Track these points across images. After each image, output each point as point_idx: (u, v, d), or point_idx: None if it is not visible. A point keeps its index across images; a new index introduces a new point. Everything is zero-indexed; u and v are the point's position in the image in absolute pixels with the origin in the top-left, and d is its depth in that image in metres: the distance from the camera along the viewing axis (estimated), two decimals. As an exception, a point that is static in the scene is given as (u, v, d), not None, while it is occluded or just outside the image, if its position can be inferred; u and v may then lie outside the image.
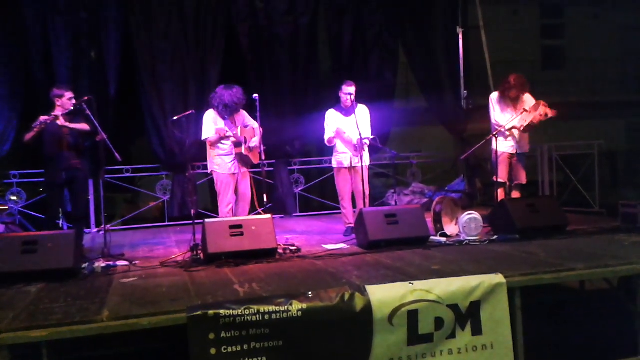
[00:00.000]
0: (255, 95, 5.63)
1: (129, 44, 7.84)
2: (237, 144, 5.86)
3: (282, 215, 8.41)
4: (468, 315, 3.73)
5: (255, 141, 5.97)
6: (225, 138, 5.85)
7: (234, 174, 5.97)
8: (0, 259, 4.40)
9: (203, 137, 5.94)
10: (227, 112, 5.85)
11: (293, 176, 8.74)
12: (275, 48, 8.35)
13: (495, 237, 5.49)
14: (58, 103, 5.60)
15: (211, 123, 5.87)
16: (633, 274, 4.18)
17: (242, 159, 5.95)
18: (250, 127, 6.05)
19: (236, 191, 6.03)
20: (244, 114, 6.09)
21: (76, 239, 4.69)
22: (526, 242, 5.22)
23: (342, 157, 6.22)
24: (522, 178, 6.53)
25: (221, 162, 5.93)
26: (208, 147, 5.99)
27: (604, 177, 8.38)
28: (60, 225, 6.24)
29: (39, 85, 7.41)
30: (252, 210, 6.03)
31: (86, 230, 7.35)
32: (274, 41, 8.33)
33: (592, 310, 5.39)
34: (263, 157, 5.80)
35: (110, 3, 7.68)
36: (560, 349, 4.73)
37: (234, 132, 5.83)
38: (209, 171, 6.14)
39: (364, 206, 5.93)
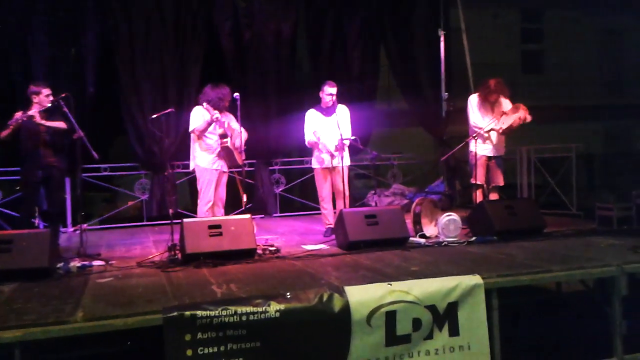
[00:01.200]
0: (237, 95, 5.60)
1: (107, 42, 7.75)
2: (223, 135, 5.77)
3: (263, 216, 8.38)
4: (445, 316, 3.74)
5: (240, 142, 5.90)
6: (213, 124, 5.71)
7: (217, 170, 5.90)
8: (-27, 258, 4.31)
9: (191, 128, 5.83)
10: (212, 106, 5.79)
11: (274, 176, 8.72)
12: (256, 48, 8.32)
13: (474, 238, 5.52)
14: (35, 100, 5.50)
15: (200, 115, 5.81)
16: (609, 276, 4.22)
17: (227, 154, 5.86)
18: (238, 131, 6.00)
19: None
20: (230, 116, 6.04)
21: (51, 238, 4.62)
22: (504, 243, 5.26)
23: (322, 157, 6.21)
24: (500, 180, 6.58)
25: (206, 157, 5.86)
26: (193, 141, 5.90)
27: (581, 180, 8.47)
28: (36, 224, 6.13)
29: (16, 82, 7.30)
30: (231, 210, 5.97)
31: (62, 229, 7.25)
32: (255, 41, 8.30)
33: (569, 311, 5.45)
34: (244, 157, 5.75)
35: (89, 2, 7.58)
36: (536, 350, 4.77)
37: (222, 121, 5.75)
38: (191, 169, 6.06)
39: (344, 207, 5.93)
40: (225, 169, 5.97)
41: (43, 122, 5.43)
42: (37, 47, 7.40)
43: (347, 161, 6.23)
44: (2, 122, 5.57)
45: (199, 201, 5.95)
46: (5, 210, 7.45)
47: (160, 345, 3.30)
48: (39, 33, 7.42)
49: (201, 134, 5.82)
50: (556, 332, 5.16)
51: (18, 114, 5.38)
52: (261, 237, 5.94)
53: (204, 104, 5.79)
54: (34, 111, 5.41)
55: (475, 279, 3.84)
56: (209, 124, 5.75)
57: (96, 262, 4.92)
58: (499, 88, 6.35)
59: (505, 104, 6.44)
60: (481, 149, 6.43)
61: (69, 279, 4.39)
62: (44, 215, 6.12)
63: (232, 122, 5.99)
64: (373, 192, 7.85)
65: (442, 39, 9.22)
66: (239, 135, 5.90)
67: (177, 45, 7.96)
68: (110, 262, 4.92)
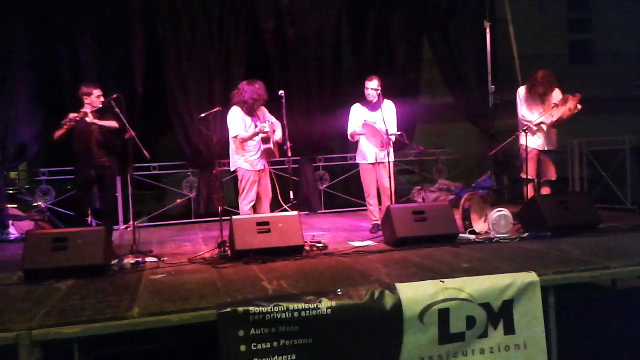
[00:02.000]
0: (281, 92, 5.58)
1: (155, 42, 7.88)
2: (265, 140, 5.81)
3: (307, 212, 8.38)
4: (500, 314, 3.67)
5: (278, 135, 5.94)
6: (259, 134, 5.77)
7: (259, 170, 5.95)
8: (30, 255, 4.44)
9: (233, 134, 5.83)
10: (247, 108, 5.82)
11: (317, 173, 8.72)
12: (299, 45, 8.32)
13: (526, 234, 5.39)
14: (86, 101, 5.64)
15: (240, 120, 5.84)
16: (670, 272, 4.07)
17: (269, 155, 5.92)
18: (270, 122, 6.01)
19: (257, 189, 6.02)
20: (264, 109, 6.06)
21: (106, 235, 4.72)
22: (558, 239, 5.12)
23: (367, 153, 6.16)
24: (552, 174, 6.42)
25: (248, 159, 5.90)
26: (233, 144, 5.94)
27: (634, 173, 8.18)
28: (89, 222, 6.28)
29: (66, 83, 7.49)
30: (276, 206, 5.99)
31: (114, 227, 7.42)
32: (298, 38, 8.30)
33: (625, 308, 5.27)
34: (290, 154, 5.74)
35: (136, 1, 7.72)
36: (593, 348, 4.63)
37: (263, 127, 5.77)
38: (231, 169, 6.09)
39: (390, 203, 5.88)
40: (267, 165, 6.00)
41: (96, 121, 5.56)
42: (85, 49, 7.57)
43: (391, 157, 6.17)
44: (53, 123, 5.72)
45: (240, 200, 5.98)
46: (59, 209, 7.67)
47: (212, 342, 3.34)
48: (87, 34, 7.58)
49: (245, 141, 5.84)
50: (613, 329, 5.00)
51: (72, 114, 5.50)
52: (308, 233, 5.94)
53: (240, 104, 5.81)
54: (87, 111, 5.54)
55: (530, 276, 3.75)
56: (256, 134, 5.77)
57: (149, 259, 5.01)
58: (546, 80, 6.19)
59: (556, 95, 6.27)
60: (532, 142, 6.28)
61: (123, 276, 4.47)
62: (96, 214, 6.27)
63: (266, 114, 6.00)
64: (419, 187, 7.77)
65: (487, 30, 9.01)
66: (275, 128, 5.92)
67: (222, 45, 8.02)
68: (162, 259, 5.01)
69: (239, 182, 6.00)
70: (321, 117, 8.34)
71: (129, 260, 4.93)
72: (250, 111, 5.83)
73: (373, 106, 6.12)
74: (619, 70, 15.26)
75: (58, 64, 7.59)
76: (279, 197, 5.99)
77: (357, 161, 6.39)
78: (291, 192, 5.65)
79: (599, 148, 8.32)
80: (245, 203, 5.93)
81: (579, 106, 6.07)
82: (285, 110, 5.63)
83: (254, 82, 5.87)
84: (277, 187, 6.03)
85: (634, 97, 15.20)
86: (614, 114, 14.09)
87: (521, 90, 6.41)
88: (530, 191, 6.26)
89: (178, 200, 8.94)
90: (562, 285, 3.91)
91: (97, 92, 5.65)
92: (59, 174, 7.66)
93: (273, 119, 5.98)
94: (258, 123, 5.73)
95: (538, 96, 6.30)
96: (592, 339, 4.78)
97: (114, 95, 5.37)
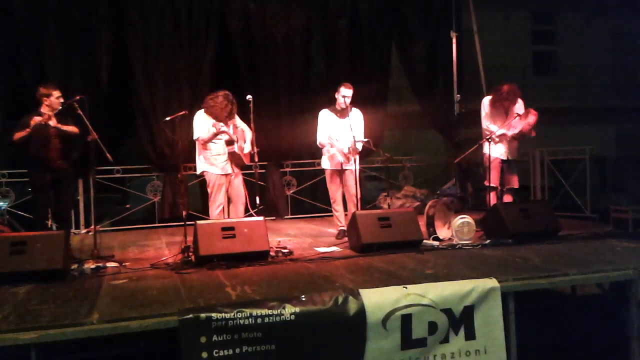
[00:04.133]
0: (249, 97, 5.58)
1: (121, 42, 7.77)
2: (229, 142, 5.79)
3: (274, 218, 8.36)
4: (461, 319, 3.72)
5: (247, 143, 5.93)
6: (218, 134, 5.74)
7: (226, 174, 5.92)
8: (-13, 259, 4.33)
9: (195, 137, 5.86)
10: (214, 118, 5.79)
11: (285, 178, 8.70)
12: (268, 49, 8.31)
13: (488, 241, 5.48)
14: (46, 102, 5.50)
15: (203, 123, 5.82)
16: (625, 279, 4.17)
17: (234, 159, 5.89)
18: (241, 129, 6.00)
19: (228, 192, 5.99)
20: (235, 118, 6.04)
21: (65, 239, 4.62)
22: (519, 246, 5.22)
23: (333, 159, 6.18)
24: (515, 182, 6.55)
25: (214, 162, 5.87)
26: (198, 147, 5.93)
27: (593, 182, 8.39)
28: (49, 226, 6.15)
29: (28, 83, 7.31)
30: (246, 211, 5.97)
31: (75, 231, 7.28)
32: (268, 42, 8.30)
33: (584, 315, 5.39)
34: (257, 159, 5.74)
35: (104, 2, 7.61)
36: (552, 354, 4.73)
37: (219, 127, 5.74)
38: (198, 172, 6.06)
39: (356, 209, 5.90)
40: (235, 170, 5.96)
41: (58, 126, 5.44)
42: (49, 49, 7.42)
43: (358, 163, 6.20)
44: (14, 124, 5.57)
45: (210, 204, 5.96)
46: (19, 212, 7.48)
47: (174, 348, 3.30)
48: (51, 33, 7.43)
49: (206, 143, 5.82)
50: (572, 336, 5.11)
51: (37, 117, 5.35)
52: (273, 239, 5.93)
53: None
54: (50, 115, 5.41)
55: (491, 283, 3.81)
56: (215, 135, 5.76)
57: (110, 264, 4.93)
58: (511, 95, 6.33)
59: (519, 106, 6.40)
60: (495, 151, 6.40)
61: (83, 281, 4.39)
62: (55, 217, 6.13)
63: (236, 121, 5.99)
64: (385, 194, 7.82)
65: (454, 40, 9.19)
66: (245, 136, 5.92)
67: (191, 46, 7.95)
68: (124, 264, 4.93)
69: (207, 185, 5.97)
70: (289, 123, 8.34)
71: (90, 265, 4.84)
72: (218, 120, 5.80)
73: (342, 113, 6.15)
74: (581, 82, 15.66)
75: (21, 65, 7.41)
76: (247, 203, 5.97)
77: (322, 167, 6.42)
78: (257, 198, 5.63)
79: (560, 157, 8.50)
80: (214, 207, 5.91)
81: (533, 133, 6.26)
82: (253, 115, 5.63)
83: (217, 95, 5.83)
84: (246, 192, 6.01)
85: (595, 108, 15.61)
86: (575, 125, 14.44)
87: (485, 102, 6.54)
88: (492, 199, 6.37)
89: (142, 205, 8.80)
90: (522, 292, 3.98)
91: (56, 93, 5.52)
92: (19, 176, 7.46)
93: (245, 127, 5.97)
94: (217, 124, 5.70)
95: (502, 108, 6.44)
96: (551, 345, 4.88)
97: (77, 97, 5.26)
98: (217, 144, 5.85)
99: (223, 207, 6.00)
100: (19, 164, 7.22)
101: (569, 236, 5.68)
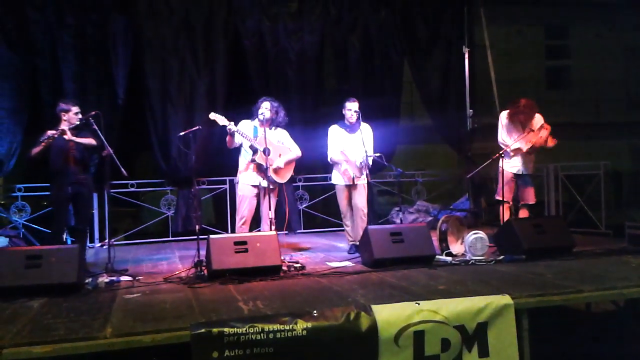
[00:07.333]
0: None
1: (137, 58, 7.87)
2: (252, 148, 5.79)
3: (287, 232, 8.36)
4: (475, 336, 3.69)
5: (280, 161, 5.90)
6: (245, 139, 5.76)
7: (254, 186, 5.88)
8: (3, 273, 4.38)
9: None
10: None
11: (297, 192, 8.72)
12: (282, 64, 8.38)
13: (502, 257, 5.44)
14: (64, 117, 5.59)
15: (242, 126, 5.91)
16: (642, 296, 4.13)
17: (258, 169, 5.84)
18: (286, 147, 6.01)
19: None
20: (285, 134, 6.11)
21: (80, 253, 4.66)
22: (533, 262, 5.18)
23: (344, 174, 6.19)
24: (530, 198, 6.52)
25: (244, 173, 5.90)
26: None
27: (608, 198, 8.32)
28: (65, 240, 6.20)
29: (45, 99, 7.43)
30: (255, 226, 5.91)
31: (90, 244, 7.33)
32: (281, 58, 8.37)
33: (599, 332, 5.33)
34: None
35: (119, 19, 7.72)
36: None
37: (254, 138, 5.76)
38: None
39: (364, 224, 5.89)
40: (267, 184, 5.79)
41: (74, 138, 5.51)
42: (66, 66, 7.53)
43: (367, 178, 6.20)
44: (32, 140, 5.67)
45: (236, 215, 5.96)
46: (34, 225, 7.56)
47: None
48: (68, 52, 7.54)
49: (229, 144, 5.83)
50: (587, 353, 5.04)
51: (50, 132, 5.46)
52: (286, 253, 5.93)
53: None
54: (65, 128, 5.50)
55: (505, 299, 3.79)
56: (231, 139, 5.77)
57: (124, 278, 4.96)
58: (527, 108, 6.32)
59: (538, 120, 6.40)
60: (508, 166, 6.39)
61: (97, 295, 4.42)
62: (71, 231, 6.19)
63: (279, 137, 6.02)
64: (397, 209, 7.80)
65: (466, 55, 9.20)
66: (287, 154, 5.94)
67: (206, 63, 8.04)
68: (137, 278, 4.95)
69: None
70: (302, 137, 8.34)
71: (104, 279, 4.88)
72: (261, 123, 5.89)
73: (351, 128, 6.18)
74: (595, 96, 15.58)
75: (37, 80, 7.53)
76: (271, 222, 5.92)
77: (332, 182, 6.43)
78: (270, 212, 5.64)
79: (575, 173, 8.45)
80: (237, 219, 5.91)
81: (550, 142, 6.24)
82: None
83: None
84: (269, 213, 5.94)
85: (609, 123, 15.50)
86: (589, 140, 14.34)
87: (503, 115, 6.55)
88: (505, 213, 6.34)
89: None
90: (536, 309, 3.95)
91: (75, 109, 5.61)
92: (35, 190, 7.55)
93: (294, 146, 6.04)
94: (230, 123, 5.72)
95: (519, 123, 6.44)
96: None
97: (93, 113, 5.34)
98: (247, 151, 5.86)
99: (246, 221, 5.91)
100: (35, 178, 7.32)
101: (584, 252, 5.62)
